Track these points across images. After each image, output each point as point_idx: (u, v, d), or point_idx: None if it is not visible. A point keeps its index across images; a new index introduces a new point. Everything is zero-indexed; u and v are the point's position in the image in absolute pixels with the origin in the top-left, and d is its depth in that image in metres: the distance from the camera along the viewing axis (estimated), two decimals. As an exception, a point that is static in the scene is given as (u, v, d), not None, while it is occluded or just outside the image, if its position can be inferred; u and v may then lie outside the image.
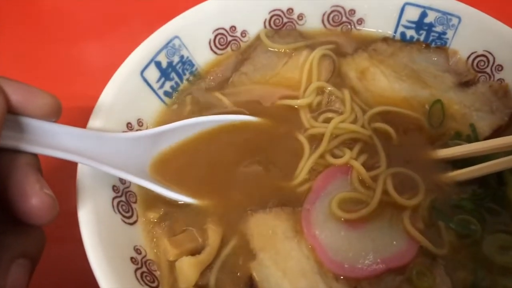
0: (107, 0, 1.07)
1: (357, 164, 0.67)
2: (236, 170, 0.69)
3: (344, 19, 0.85)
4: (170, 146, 0.68)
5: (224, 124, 0.72)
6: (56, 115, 0.53)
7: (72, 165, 0.60)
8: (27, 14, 1.05)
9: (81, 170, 0.60)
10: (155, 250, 0.63)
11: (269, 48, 0.82)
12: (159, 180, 0.65)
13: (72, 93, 0.87)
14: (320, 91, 0.77)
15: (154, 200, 0.66)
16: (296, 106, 0.75)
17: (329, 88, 0.76)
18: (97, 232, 0.57)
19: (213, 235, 0.62)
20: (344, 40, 0.84)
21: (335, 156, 0.70)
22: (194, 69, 0.81)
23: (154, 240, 0.64)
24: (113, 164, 0.58)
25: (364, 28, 0.86)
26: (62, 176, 0.66)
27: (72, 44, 1.00)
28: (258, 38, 0.83)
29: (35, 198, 0.47)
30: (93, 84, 0.71)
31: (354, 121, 0.73)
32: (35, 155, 0.52)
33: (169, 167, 0.67)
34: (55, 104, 0.52)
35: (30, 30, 1.02)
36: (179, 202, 0.66)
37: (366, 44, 0.83)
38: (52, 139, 0.53)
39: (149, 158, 0.66)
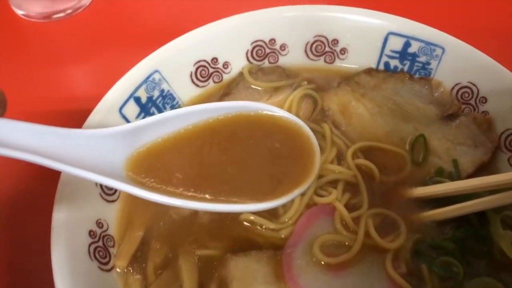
0: (91, 27, 1.05)
1: (340, 206, 0.66)
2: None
3: (327, 49, 0.84)
4: (149, 143, 0.60)
5: (206, 122, 0.63)
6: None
7: (47, 205, 0.59)
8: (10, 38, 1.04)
9: (57, 217, 0.59)
10: (133, 296, 0.62)
11: (252, 86, 0.81)
12: (137, 180, 0.57)
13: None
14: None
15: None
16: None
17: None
18: (71, 282, 0.55)
19: (190, 281, 0.61)
20: (327, 76, 0.83)
21: (319, 196, 0.68)
22: (175, 102, 0.79)
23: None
24: (80, 164, 0.51)
25: (347, 59, 0.85)
26: (34, 216, 0.65)
27: (54, 71, 0.98)
28: (241, 74, 0.82)
29: None
30: (75, 114, 0.70)
31: (336, 157, 0.72)
32: None
33: (148, 166, 0.58)
34: None
35: (13, 57, 1.00)
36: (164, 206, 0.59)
37: (349, 77, 0.82)
38: None
39: (126, 157, 0.58)
